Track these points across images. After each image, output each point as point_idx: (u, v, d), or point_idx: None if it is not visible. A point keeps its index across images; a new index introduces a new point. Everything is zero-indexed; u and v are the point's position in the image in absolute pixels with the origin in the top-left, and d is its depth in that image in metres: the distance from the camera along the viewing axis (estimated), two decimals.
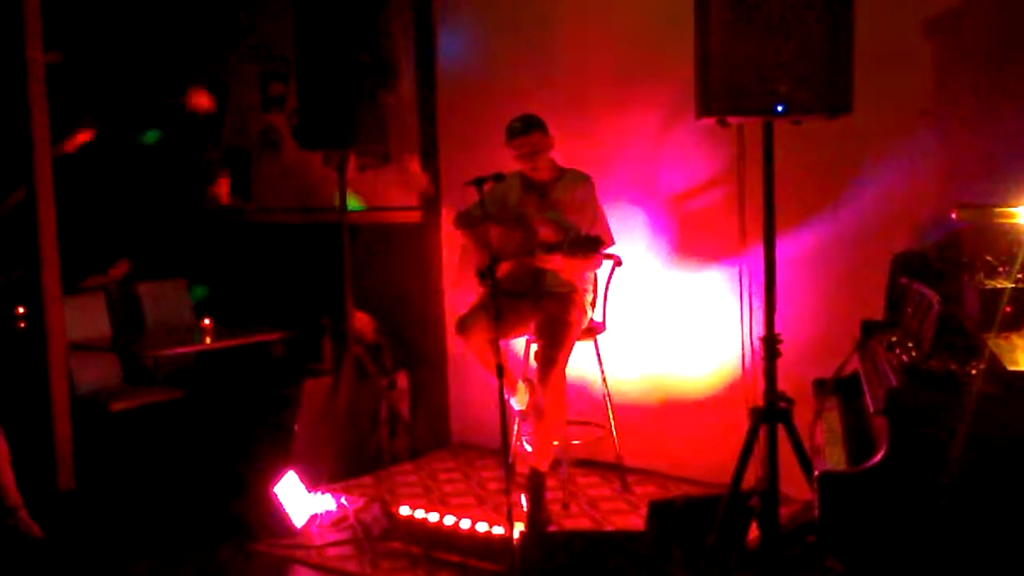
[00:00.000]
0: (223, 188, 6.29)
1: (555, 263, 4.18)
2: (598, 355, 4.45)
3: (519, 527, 3.88)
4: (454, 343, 5.13)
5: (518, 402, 4.41)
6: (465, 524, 4.14)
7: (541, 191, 4.37)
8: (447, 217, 5.20)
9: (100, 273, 5.94)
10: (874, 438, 2.76)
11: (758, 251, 3.42)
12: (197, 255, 6.34)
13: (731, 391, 4.20)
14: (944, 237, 3.57)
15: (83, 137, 5.04)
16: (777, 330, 3.40)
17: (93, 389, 5.43)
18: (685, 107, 3.47)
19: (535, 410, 4.16)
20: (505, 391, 3.75)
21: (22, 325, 5.05)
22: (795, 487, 3.78)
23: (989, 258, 2.97)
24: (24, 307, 5.02)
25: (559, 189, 4.35)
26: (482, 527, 4.10)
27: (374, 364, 5.11)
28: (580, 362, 4.43)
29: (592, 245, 4.08)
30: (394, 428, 5.26)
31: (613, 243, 4.28)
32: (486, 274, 3.79)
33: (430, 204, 5.36)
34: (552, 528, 4.06)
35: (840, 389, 3.29)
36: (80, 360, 5.36)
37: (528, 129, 4.26)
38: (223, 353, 5.48)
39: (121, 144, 6.48)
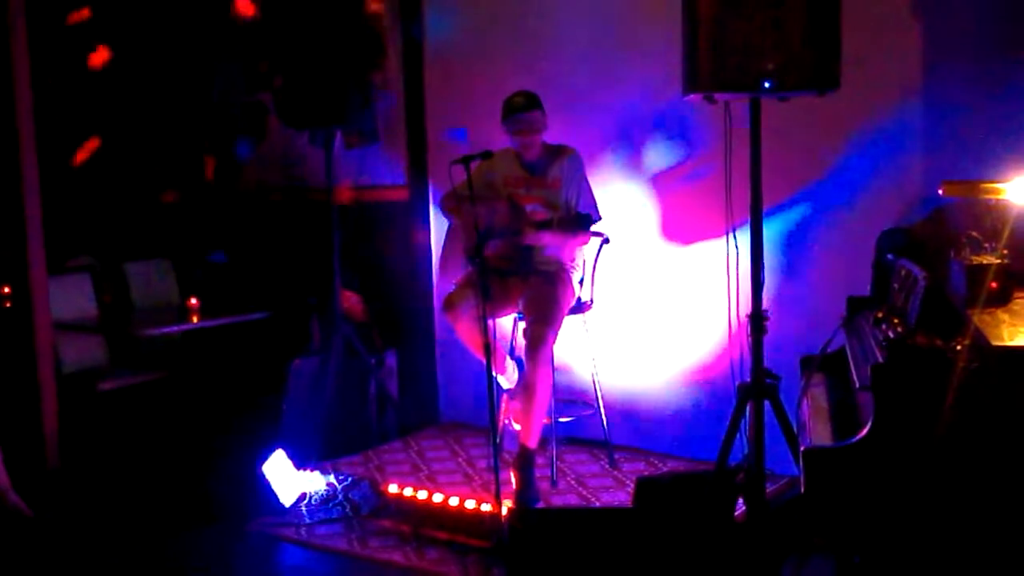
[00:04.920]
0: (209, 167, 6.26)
1: (544, 241, 4.18)
2: (586, 332, 4.45)
3: (507, 504, 3.89)
4: (442, 322, 5.12)
5: (506, 380, 4.41)
6: (454, 501, 4.15)
7: (530, 169, 4.36)
8: (434, 195, 5.19)
9: None
10: (860, 414, 2.77)
11: (745, 228, 3.43)
12: (185, 235, 6.30)
13: (718, 368, 4.21)
14: (930, 213, 3.59)
15: None
16: (764, 307, 3.41)
17: (80, 368, 5.41)
18: (672, 83, 3.46)
19: (523, 388, 4.17)
20: (493, 369, 3.75)
21: (8, 304, 5.02)
22: (781, 463, 3.81)
23: (975, 234, 2.97)
24: (9, 286, 5.00)
25: (547, 166, 4.34)
26: (471, 504, 4.11)
27: (363, 343, 5.10)
28: (568, 340, 4.43)
29: (581, 222, 4.08)
30: (383, 407, 5.26)
31: (600, 218, 4.28)
32: (474, 253, 3.78)
33: (418, 182, 5.34)
34: (540, 505, 4.08)
35: (826, 365, 3.30)
36: (66, 340, 5.34)
37: (531, 106, 4.24)
38: (210, 333, 5.46)
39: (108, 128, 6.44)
